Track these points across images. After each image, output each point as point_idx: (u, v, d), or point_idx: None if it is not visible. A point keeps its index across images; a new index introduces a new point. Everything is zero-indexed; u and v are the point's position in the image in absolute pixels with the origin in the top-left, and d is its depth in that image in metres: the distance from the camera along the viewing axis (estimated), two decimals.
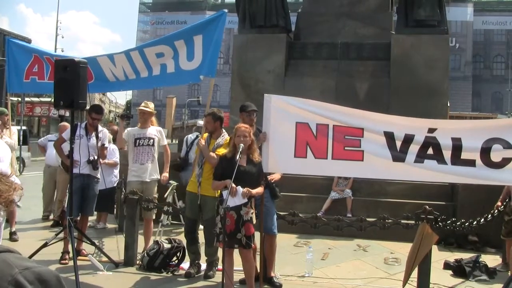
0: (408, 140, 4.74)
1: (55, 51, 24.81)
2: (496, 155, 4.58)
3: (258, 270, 5.17)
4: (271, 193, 5.28)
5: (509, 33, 60.37)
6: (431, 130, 4.74)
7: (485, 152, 4.59)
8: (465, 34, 58.57)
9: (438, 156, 4.70)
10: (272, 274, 5.35)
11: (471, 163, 4.64)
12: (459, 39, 56.83)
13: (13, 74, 7.09)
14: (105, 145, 6.46)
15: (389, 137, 4.77)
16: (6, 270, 1.02)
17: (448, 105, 10.73)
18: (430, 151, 4.72)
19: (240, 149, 4.61)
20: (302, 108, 5.01)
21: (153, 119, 6.51)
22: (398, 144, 4.77)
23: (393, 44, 10.28)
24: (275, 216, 5.38)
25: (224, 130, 5.61)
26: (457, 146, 4.65)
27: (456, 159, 4.66)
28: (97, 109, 6.45)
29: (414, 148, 4.74)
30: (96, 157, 6.19)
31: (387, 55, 10.33)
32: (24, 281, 1.02)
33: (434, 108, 9.40)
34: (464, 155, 4.65)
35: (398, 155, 4.77)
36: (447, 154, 4.68)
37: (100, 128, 6.42)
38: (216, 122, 5.49)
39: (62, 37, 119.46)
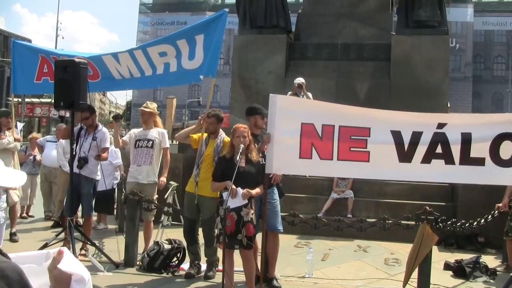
0: (415, 138, 4.64)
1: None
2: (506, 151, 4.51)
3: (259, 270, 5.16)
4: (279, 191, 5.32)
5: (510, 34, 60.15)
6: (441, 126, 4.63)
7: (495, 149, 4.52)
8: (466, 35, 58.42)
9: (446, 156, 4.60)
10: (274, 275, 5.29)
11: (480, 161, 4.56)
12: (459, 40, 56.68)
13: (20, 75, 7.05)
14: (106, 146, 6.46)
15: (396, 136, 4.68)
16: None
17: (449, 105, 10.73)
18: (438, 149, 4.62)
19: (240, 150, 4.61)
20: (307, 108, 4.95)
21: (158, 120, 6.41)
22: (406, 143, 4.67)
23: (393, 45, 10.29)
24: (280, 214, 5.36)
25: (221, 130, 5.65)
26: (467, 142, 4.56)
27: (465, 157, 4.57)
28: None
29: (421, 148, 4.64)
30: (85, 155, 6.17)
31: (387, 55, 10.35)
32: None
33: (434, 109, 9.34)
34: (474, 153, 4.56)
35: (405, 156, 4.68)
36: (456, 152, 4.58)
37: (99, 127, 6.44)
38: (219, 124, 5.59)
39: (63, 38, 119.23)
